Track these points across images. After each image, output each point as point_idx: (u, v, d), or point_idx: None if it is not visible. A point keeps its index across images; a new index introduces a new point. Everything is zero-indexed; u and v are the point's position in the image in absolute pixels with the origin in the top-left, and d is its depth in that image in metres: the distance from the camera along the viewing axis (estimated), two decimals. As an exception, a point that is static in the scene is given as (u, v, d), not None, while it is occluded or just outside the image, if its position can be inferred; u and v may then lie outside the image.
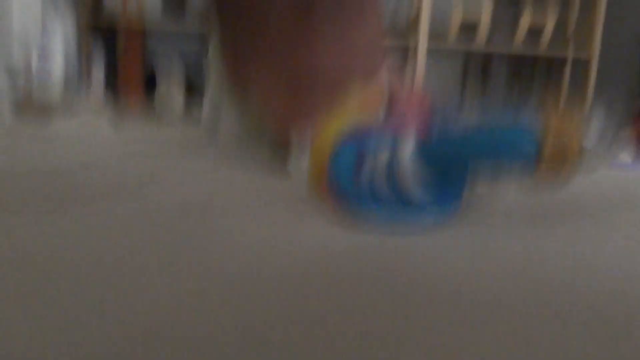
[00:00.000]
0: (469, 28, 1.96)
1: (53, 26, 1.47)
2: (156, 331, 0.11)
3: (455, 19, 1.94)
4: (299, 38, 0.42)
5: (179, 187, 0.33)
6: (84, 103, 1.51)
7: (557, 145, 0.19)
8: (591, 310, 0.13)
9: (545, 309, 0.13)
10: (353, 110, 0.28)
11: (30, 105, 1.15)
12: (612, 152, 0.25)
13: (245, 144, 0.58)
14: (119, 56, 2.28)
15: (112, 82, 2.13)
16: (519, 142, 0.18)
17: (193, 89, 2.07)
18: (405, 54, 2.00)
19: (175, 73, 2.34)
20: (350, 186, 0.21)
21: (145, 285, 0.14)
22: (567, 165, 0.20)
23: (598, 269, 0.17)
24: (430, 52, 1.91)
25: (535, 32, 2.00)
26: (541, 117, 0.19)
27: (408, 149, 0.20)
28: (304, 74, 0.46)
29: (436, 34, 2.16)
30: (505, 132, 0.18)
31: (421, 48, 1.84)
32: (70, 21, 1.62)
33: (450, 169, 0.19)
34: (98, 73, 1.78)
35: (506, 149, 0.18)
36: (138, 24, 1.84)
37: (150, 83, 2.22)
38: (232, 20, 0.46)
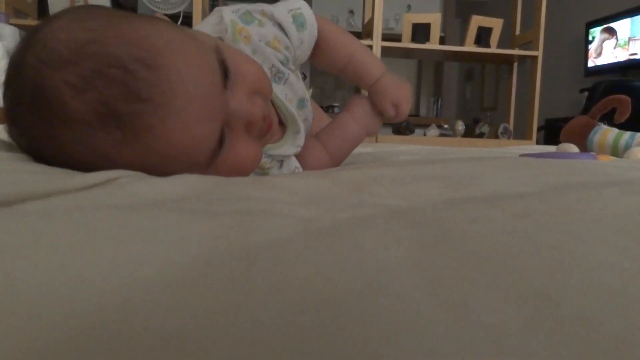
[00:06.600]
0: (421, 29, 2.00)
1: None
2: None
3: (407, 22, 1.99)
4: None
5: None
6: None
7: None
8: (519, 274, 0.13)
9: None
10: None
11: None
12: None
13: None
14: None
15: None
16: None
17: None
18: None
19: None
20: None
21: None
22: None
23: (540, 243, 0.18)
24: (386, 52, 1.94)
25: (485, 32, 2.07)
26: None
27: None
28: None
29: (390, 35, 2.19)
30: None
31: (375, 49, 1.86)
32: None
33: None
34: None
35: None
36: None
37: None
38: None
